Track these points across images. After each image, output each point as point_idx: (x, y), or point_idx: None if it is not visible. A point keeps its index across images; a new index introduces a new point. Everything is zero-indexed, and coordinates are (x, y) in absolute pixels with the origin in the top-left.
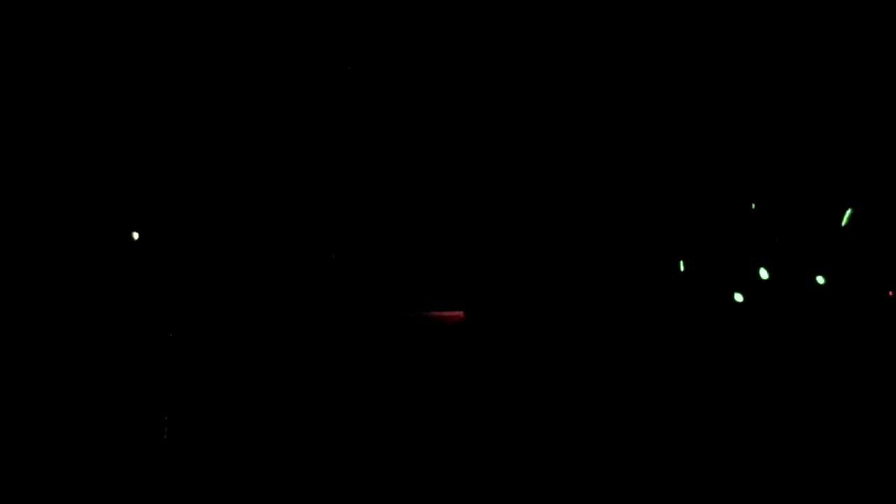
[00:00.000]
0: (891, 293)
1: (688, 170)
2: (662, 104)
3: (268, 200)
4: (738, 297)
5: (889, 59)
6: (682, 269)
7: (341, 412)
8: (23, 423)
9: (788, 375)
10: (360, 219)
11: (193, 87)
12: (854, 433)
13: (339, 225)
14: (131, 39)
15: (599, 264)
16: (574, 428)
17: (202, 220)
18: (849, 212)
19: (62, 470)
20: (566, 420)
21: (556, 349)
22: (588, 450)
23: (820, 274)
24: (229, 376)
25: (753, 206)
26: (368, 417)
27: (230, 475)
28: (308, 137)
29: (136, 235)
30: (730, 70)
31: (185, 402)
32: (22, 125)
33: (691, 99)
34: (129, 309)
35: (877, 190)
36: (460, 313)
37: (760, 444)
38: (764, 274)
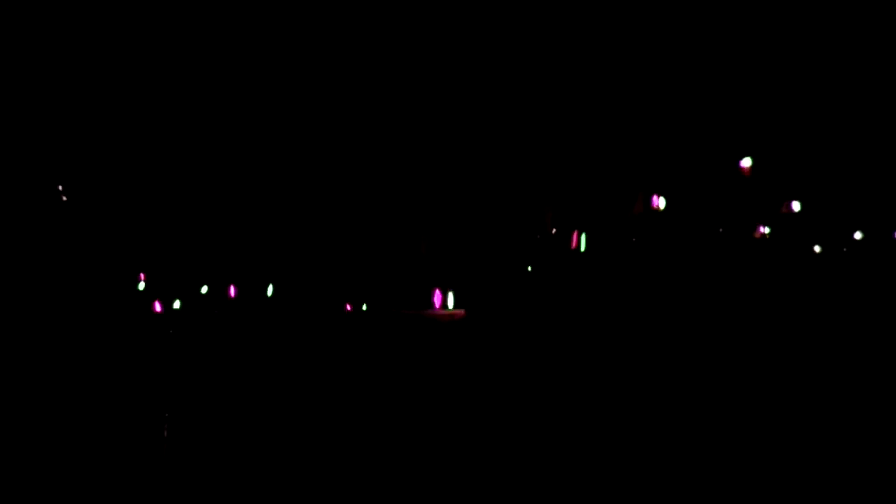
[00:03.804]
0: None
1: (680, 173)
2: (654, 112)
3: (268, 200)
4: (729, 298)
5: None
6: (678, 269)
7: (341, 411)
8: (23, 422)
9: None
10: (360, 219)
11: (194, 87)
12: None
13: (340, 225)
14: (132, 40)
15: (598, 265)
16: (573, 426)
17: (203, 219)
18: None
19: (62, 469)
20: (565, 418)
21: (555, 348)
22: (587, 448)
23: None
24: (229, 375)
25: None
26: (368, 416)
27: (230, 474)
28: (309, 138)
29: (137, 236)
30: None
31: (186, 401)
32: (22, 125)
33: (677, 107)
34: (130, 308)
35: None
36: (461, 312)
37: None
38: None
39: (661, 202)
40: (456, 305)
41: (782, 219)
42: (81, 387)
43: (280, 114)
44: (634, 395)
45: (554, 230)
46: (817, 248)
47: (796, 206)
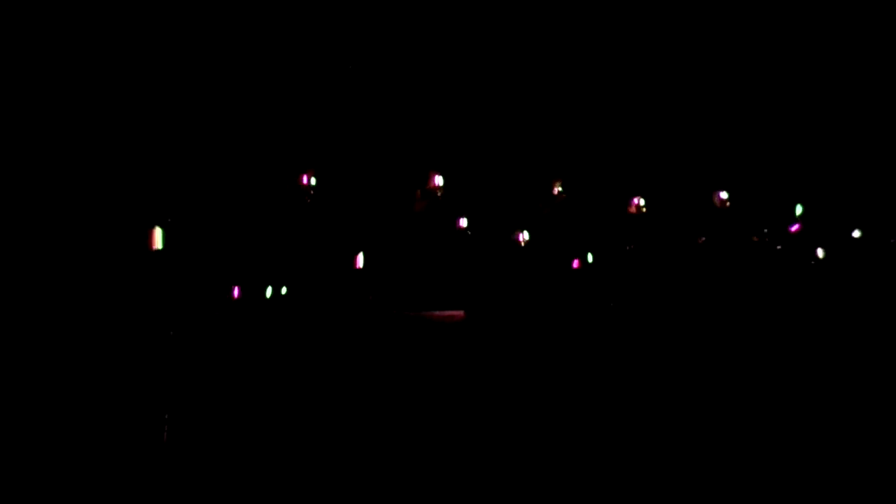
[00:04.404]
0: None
1: (678, 177)
2: (653, 115)
3: (269, 201)
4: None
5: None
6: (676, 270)
7: (342, 410)
8: (24, 422)
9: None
10: (361, 221)
11: (197, 89)
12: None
13: (341, 226)
14: (133, 40)
15: (597, 265)
16: (572, 425)
17: (204, 220)
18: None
19: (62, 469)
20: (564, 418)
21: (554, 348)
22: (586, 447)
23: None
24: (229, 375)
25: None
26: (369, 415)
27: (230, 474)
28: (309, 139)
29: (136, 235)
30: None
31: (186, 401)
32: (23, 125)
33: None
34: (130, 308)
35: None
36: (460, 313)
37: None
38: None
39: (648, 203)
40: (456, 306)
41: (782, 222)
42: (83, 386)
43: (278, 115)
44: (634, 395)
45: (551, 230)
46: (820, 252)
47: (798, 209)
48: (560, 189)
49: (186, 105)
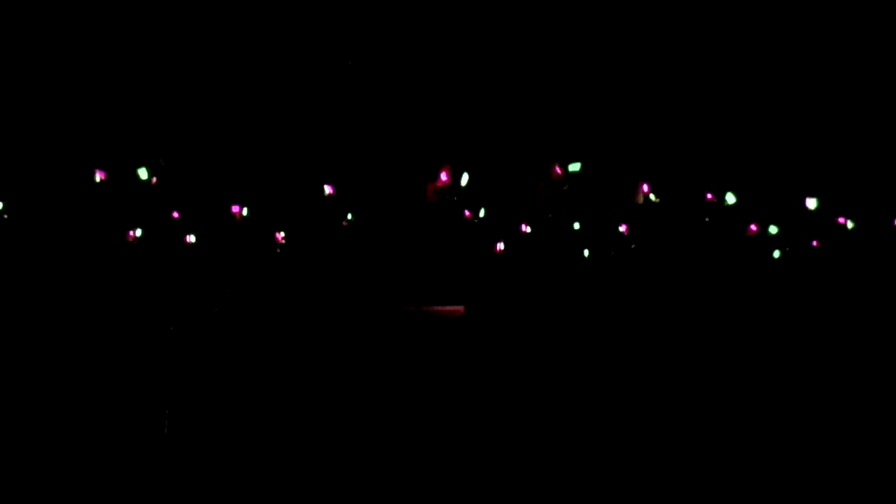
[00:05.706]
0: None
1: (675, 174)
2: (651, 107)
3: (269, 198)
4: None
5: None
6: (674, 267)
7: (343, 406)
8: (23, 420)
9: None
10: (362, 216)
11: (194, 86)
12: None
13: (341, 222)
14: (133, 40)
15: (596, 263)
16: (571, 421)
17: (204, 217)
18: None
19: (62, 467)
20: (564, 413)
21: (554, 344)
22: (585, 443)
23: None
24: (230, 371)
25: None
26: (370, 411)
27: (230, 470)
28: (309, 135)
29: (138, 231)
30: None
31: (186, 397)
32: (22, 125)
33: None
34: (130, 304)
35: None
36: (461, 308)
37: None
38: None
39: (652, 194)
40: (456, 301)
41: (781, 215)
42: (81, 384)
43: (277, 111)
44: (634, 392)
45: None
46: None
47: (811, 203)
48: (561, 183)
49: (190, 99)
